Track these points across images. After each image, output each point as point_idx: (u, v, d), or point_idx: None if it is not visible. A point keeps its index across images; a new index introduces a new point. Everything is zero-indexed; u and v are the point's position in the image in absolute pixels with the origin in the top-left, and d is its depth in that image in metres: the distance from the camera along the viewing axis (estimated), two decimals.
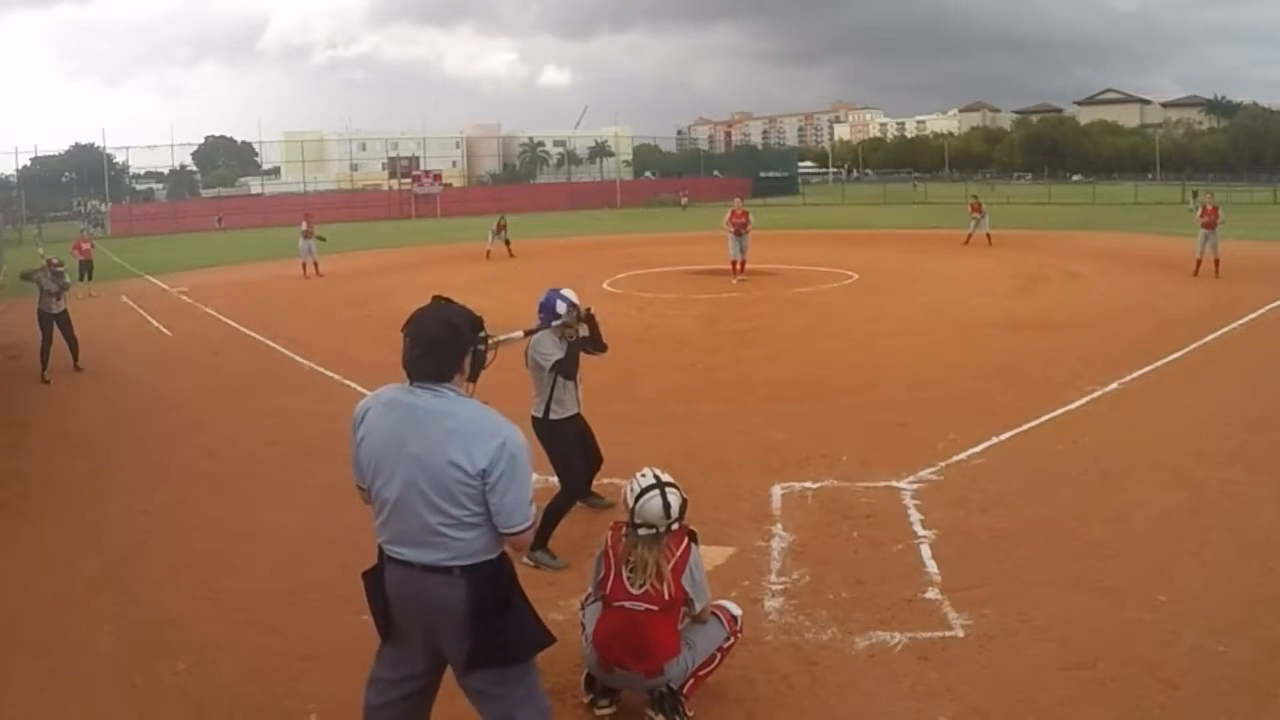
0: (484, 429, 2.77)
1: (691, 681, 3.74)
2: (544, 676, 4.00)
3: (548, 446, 5.50)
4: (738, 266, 18.53)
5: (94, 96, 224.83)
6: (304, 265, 22.40)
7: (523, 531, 2.82)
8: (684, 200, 59.67)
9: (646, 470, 3.88)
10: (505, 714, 2.92)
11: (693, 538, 3.80)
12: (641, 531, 3.72)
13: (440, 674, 3.04)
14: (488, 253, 25.91)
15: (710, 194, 63.99)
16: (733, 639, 3.90)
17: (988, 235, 25.65)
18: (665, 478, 3.82)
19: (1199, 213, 17.97)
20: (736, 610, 3.97)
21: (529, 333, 5.37)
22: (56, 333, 11.60)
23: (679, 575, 3.66)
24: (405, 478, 2.76)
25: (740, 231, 18.55)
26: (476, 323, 2.94)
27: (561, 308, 5.47)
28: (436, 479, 2.73)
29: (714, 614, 3.86)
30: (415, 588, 2.82)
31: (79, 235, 24.02)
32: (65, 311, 11.82)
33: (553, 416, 5.51)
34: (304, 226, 22.74)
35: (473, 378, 2.93)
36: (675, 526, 3.77)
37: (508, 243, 26.22)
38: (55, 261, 12.35)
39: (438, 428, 2.76)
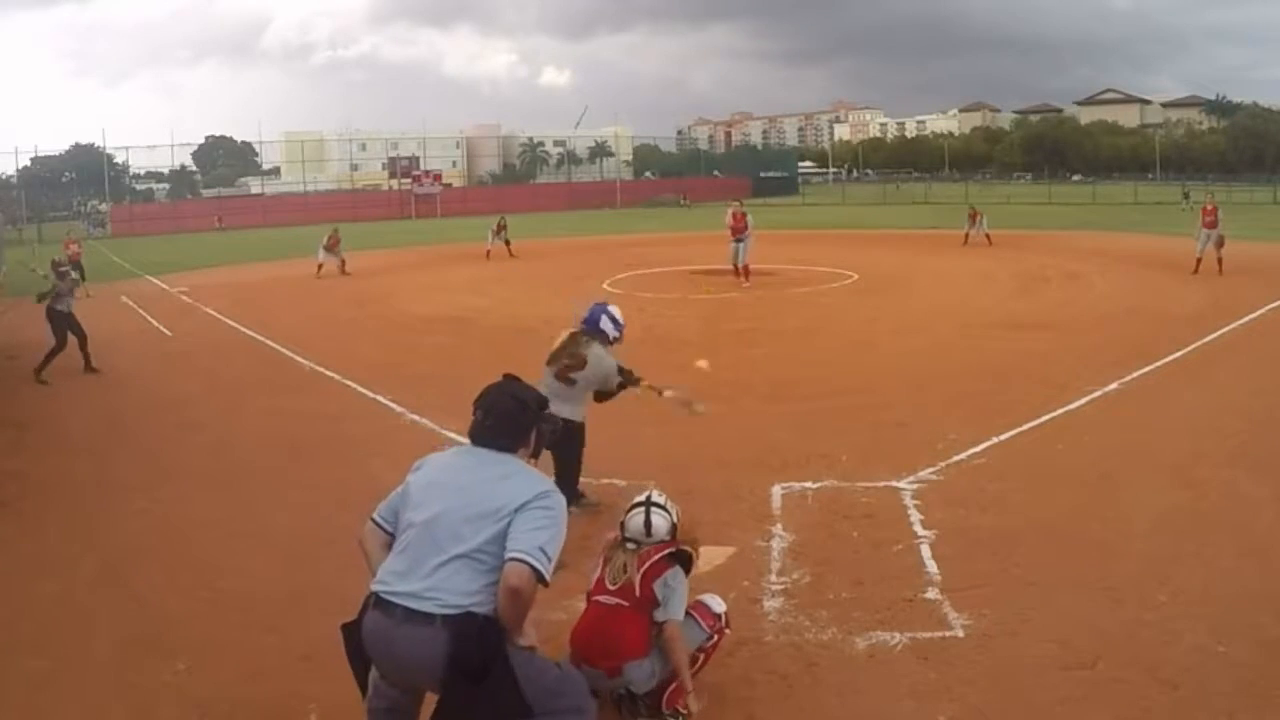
0: (535, 479, 2.92)
1: (676, 687, 3.72)
2: None
3: (566, 448, 5.40)
4: (741, 272, 17.98)
5: (94, 96, 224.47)
6: (319, 265, 22.12)
7: (520, 562, 2.68)
8: (684, 201, 59.59)
9: (649, 489, 4.01)
10: None
11: (681, 560, 3.80)
12: (629, 546, 3.82)
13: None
14: (488, 253, 25.86)
15: (710, 194, 64.01)
16: (716, 637, 3.91)
17: (987, 235, 25.69)
18: (657, 499, 3.91)
19: (1200, 212, 18.01)
20: (719, 607, 3.95)
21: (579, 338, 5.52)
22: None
23: (651, 578, 3.70)
24: (445, 504, 2.83)
25: (739, 236, 18.02)
26: (543, 401, 3.16)
27: (606, 324, 5.61)
28: (474, 508, 2.79)
29: (690, 614, 3.84)
30: (395, 639, 2.74)
31: (66, 236, 23.97)
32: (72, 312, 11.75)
33: (580, 419, 5.59)
34: (326, 243, 22.55)
35: (535, 454, 3.11)
36: (663, 542, 3.82)
37: (508, 243, 26.17)
38: (57, 260, 12.35)
39: (495, 472, 2.91)
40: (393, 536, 2.94)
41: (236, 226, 48.96)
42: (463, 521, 2.77)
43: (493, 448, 2.95)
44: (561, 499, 2.93)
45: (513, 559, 2.70)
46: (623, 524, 3.90)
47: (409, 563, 2.79)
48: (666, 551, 3.77)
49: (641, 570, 3.71)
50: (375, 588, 2.82)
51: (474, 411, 3.02)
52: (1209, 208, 17.93)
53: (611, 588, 3.75)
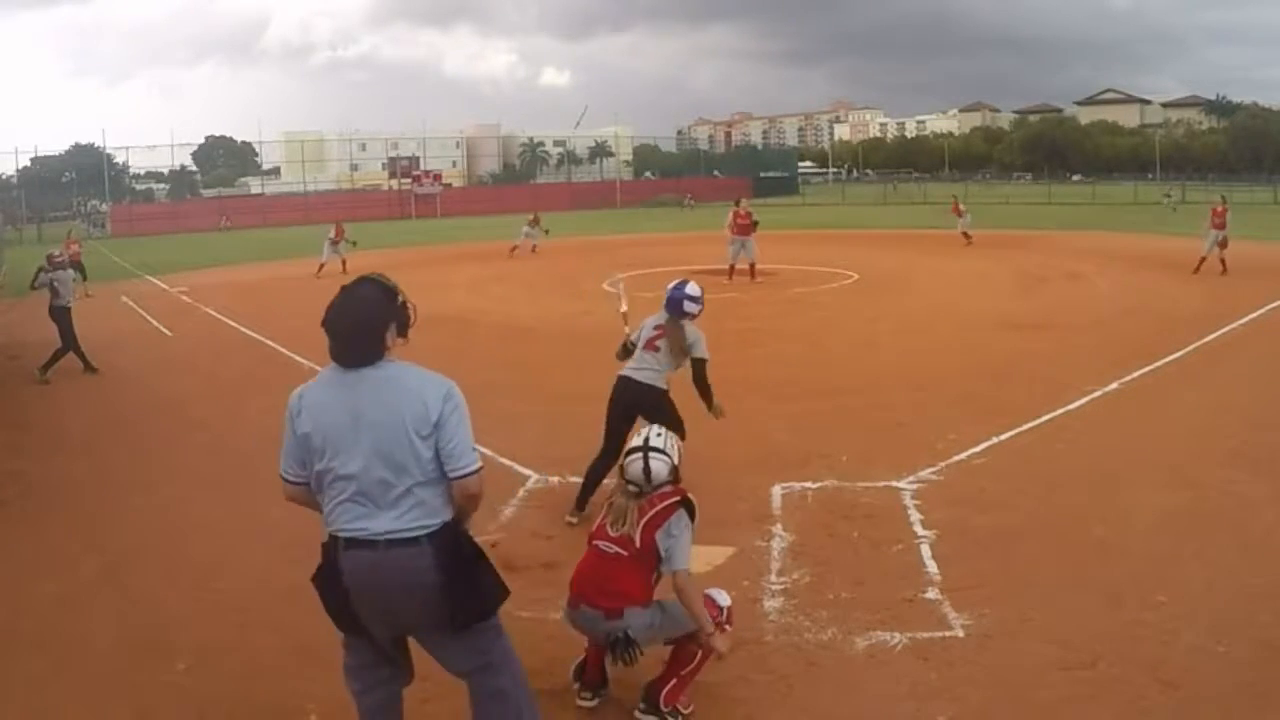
0: (430, 385, 2.94)
1: (675, 683, 3.69)
2: (544, 677, 4.03)
3: (667, 410, 5.80)
4: (752, 270, 17.90)
5: (94, 96, 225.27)
6: (321, 265, 22.13)
7: (470, 474, 2.93)
8: (688, 202, 59.46)
9: (646, 430, 3.90)
10: (491, 680, 3.09)
11: (687, 507, 3.70)
12: (631, 489, 3.73)
13: (407, 655, 3.16)
14: (515, 246, 26.31)
15: (710, 194, 63.95)
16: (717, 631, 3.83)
17: (966, 234, 25.65)
18: (655, 442, 3.79)
19: (1210, 213, 18.06)
20: (724, 600, 3.86)
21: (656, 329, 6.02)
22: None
23: (653, 529, 3.61)
24: (369, 446, 2.87)
25: (745, 234, 17.93)
26: (391, 291, 3.05)
27: (689, 305, 5.98)
28: (399, 440, 2.86)
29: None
30: (382, 568, 2.86)
31: (68, 236, 23.99)
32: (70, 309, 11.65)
33: (664, 387, 5.97)
34: (331, 235, 22.71)
35: (402, 334, 3.06)
36: (665, 489, 3.72)
37: (546, 231, 27.15)
38: (54, 254, 12.25)
39: (390, 392, 2.91)
40: (308, 485, 3.00)
41: (240, 227, 48.91)
42: (397, 454, 2.86)
43: (364, 365, 2.94)
44: (455, 386, 3.00)
45: (462, 475, 2.93)
46: (622, 469, 3.81)
47: (368, 508, 2.88)
48: (668, 502, 3.67)
49: (642, 522, 3.63)
50: (347, 534, 2.90)
51: (327, 335, 2.96)
52: (1219, 209, 17.99)
53: (612, 534, 3.68)
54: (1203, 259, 17.68)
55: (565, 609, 3.81)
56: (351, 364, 2.94)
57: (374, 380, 2.93)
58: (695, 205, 57.43)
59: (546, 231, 27.08)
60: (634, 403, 5.86)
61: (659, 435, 3.84)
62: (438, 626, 2.97)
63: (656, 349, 5.94)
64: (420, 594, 2.89)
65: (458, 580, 2.92)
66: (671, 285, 6.07)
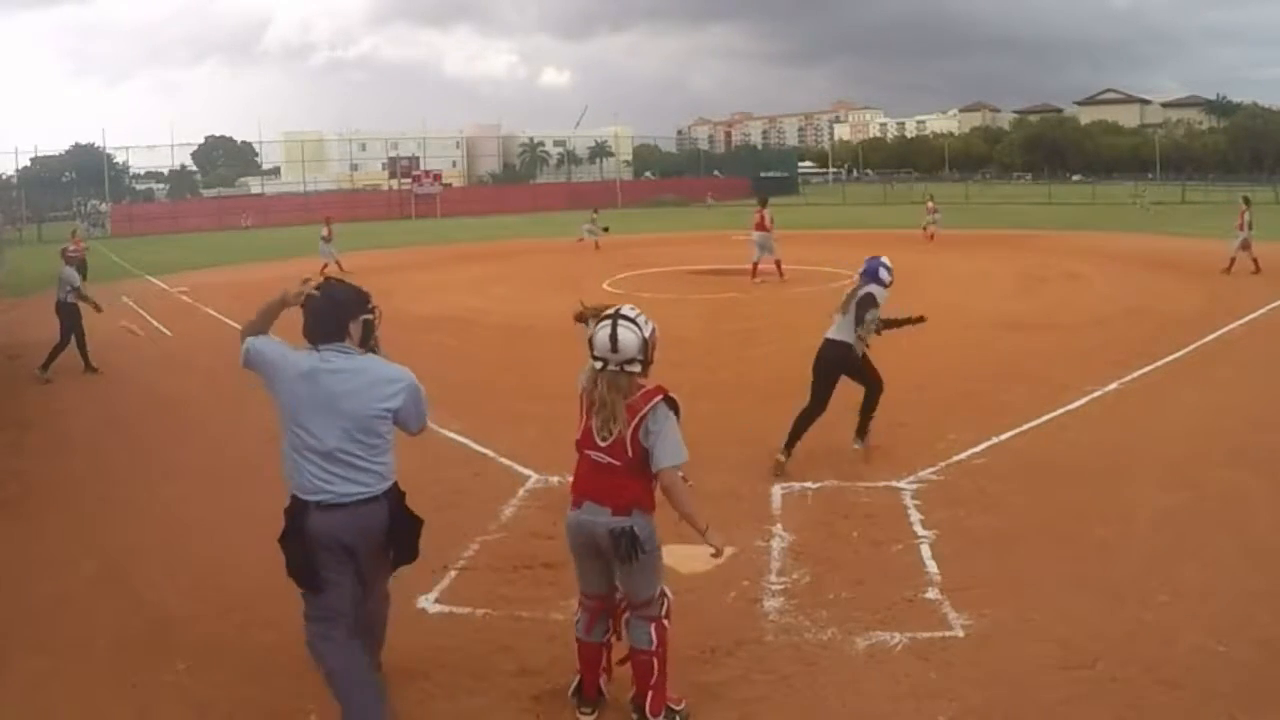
0: (392, 376, 3.58)
1: (652, 694, 3.63)
2: (544, 677, 4.05)
3: (863, 367, 6.97)
4: (777, 267, 18.41)
5: (94, 96, 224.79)
6: (324, 266, 22.27)
7: (422, 430, 3.71)
8: (711, 201, 59.51)
9: (624, 306, 3.67)
10: (384, 592, 3.96)
11: (669, 402, 3.54)
12: (596, 365, 3.55)
13: (362, 607, 3.70)
14: (580, 240, 27.11)
15: (715, 195, 63.92)
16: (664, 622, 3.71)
17: (930, 231, 27.25)
18: (627, 312, 3.58)
19: (1239, 214, 18.18)
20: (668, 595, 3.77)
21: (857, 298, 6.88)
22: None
23: (637, 430, 3.48)
24: (342, 426, 3.48)
25: (764, 234, 18.49)
26: (360, 297, 3.66)
27: (883, 273, 6.94)
28: (365, 419, 3.50)
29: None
30: (349, 524, 3.49)
31: (72, 235, 23.97)
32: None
33: (849, 340, 6.84)
34: (324, 233, 22.97)
35: (362, 343, 3.62)
36: (647, 387, 3.55)
37: (606, 229, 27.76)
38: (70, 249, 12.09)
39: (360, 381, 3.52)
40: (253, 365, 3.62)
41: (261, 225, 48.68)
42: (362, 432, 3.50)
43: (328, 342, 3.54)
44: (413, 376, 3.61)
45: (416, 431, 3.69)
46: (591, 341, 3.57)
47: (338, 474, 3.48)
48: (651, 403, 3.50)
49: (632, 427, 3.48)
50: (318, 499, 3.48)
51: (303, 314, 3.61)
52: (1242, 210, 18.21)
53: (602, 444, 3.54)
54: (1233, 260, 17.88)
55: (568, 513, 3.69)
56: (317, 340, 3.55)
57: (346, 370, 3.51)
58: (716, 204, 57.48)
59: (605, 229, 27.38)
60: (834, 360, 6.88)
61: (631, 308, 3.61)
62: (378, 564, 3.71)
63: (845, 312, 6.86)
64: (375, 537, 3.59)
65: (399, 525, 3.64)
66: (869, 257, 7.11)
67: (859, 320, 6.77)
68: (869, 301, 6.83)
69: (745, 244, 19.58)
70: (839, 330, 6.90)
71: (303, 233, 34.16)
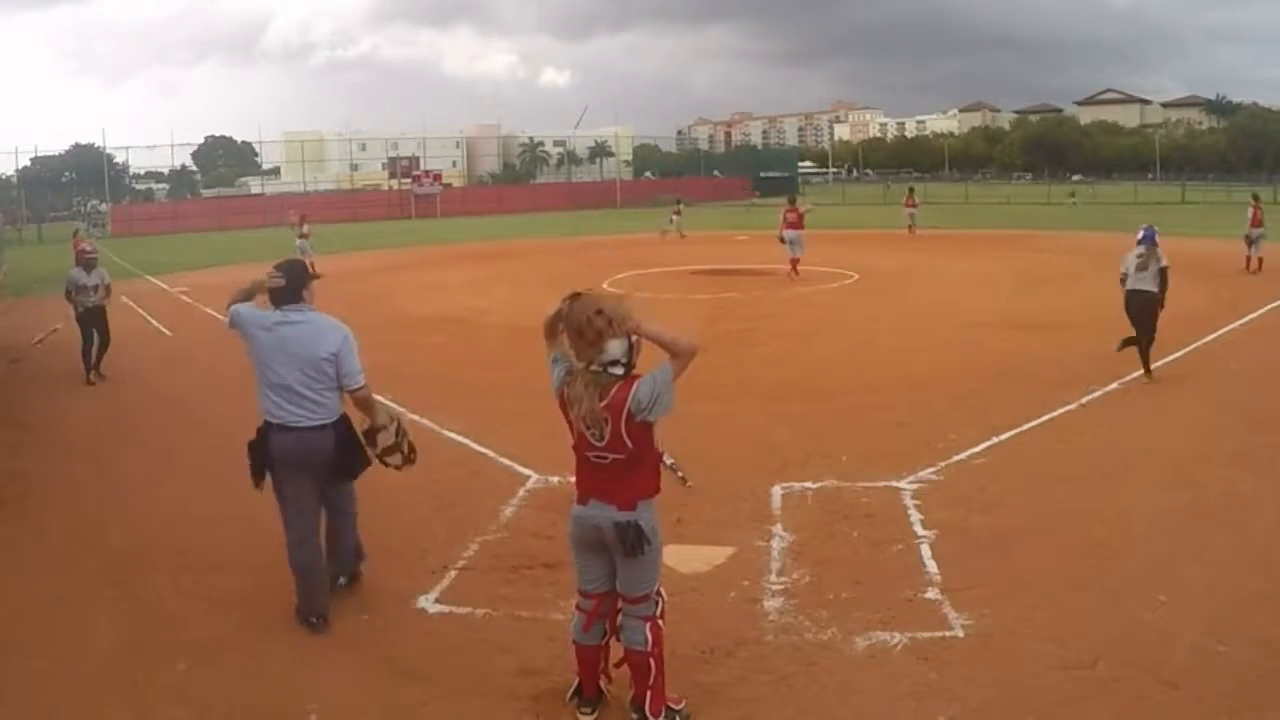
0: (333, 328, 4.62)
1: (651, 694, 3.64)
2: (544, 677, 4.05)
3: (1154, 312, 9.30)
4: (794, 265, 18.51)
5: (94, 96, 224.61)
6: (311, 264, 22.32)
7: (359, 389, 4.61)
8: (752, 203, 58.47)
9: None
10: (346, 508, 4.93)
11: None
12: (579, 364, 3.55)
13: (318, 505, 4.68)
14: (664, 233, 28.19)
15: (714, 195, 63.84)
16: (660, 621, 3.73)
17: (911, 227, 28.11)
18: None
19: (1251, 214, 18.17)
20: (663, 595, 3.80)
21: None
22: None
23: (629, 421, 3.47)
24: (296, 368, 4.48)
25: (795, 229, 18.58)
26: (300, 272, 4.78)
27: (1156, 237, 9.33)
28: (313, 364, 4.49)
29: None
30: (301, 444, 4.51)
31: (75, 235, 23.93)
32: (104, 308, 11.17)
33: (1154, 290, 9.23)
34: (303, 229, 22.72)
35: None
36: (617, 373, 3.51)
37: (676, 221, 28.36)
38: (87, 249, 11.62)
39: (307, 331, 4.55)
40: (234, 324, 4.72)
41: (244, 226, 48.42)
42: (311, 374, 4.49)
43: (288, 304, 4.58)
44: (349, 330, 4.67)
45: (355, 390, 4.61)
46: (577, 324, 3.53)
47: (293, 404, 4.48)
48: (633, 387, 3.49)
49: (623, 420, 3.48)
50: (278, 420, 4.51)
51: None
52: (1256, 210, 18.30)
53: (599, 445, 3.54)
54: (1249, 258, 18.04)
55: (573, 508, 3.70)
56: (280, 303, 4.58)
57: (299, 324, 4.55)
58: (755, 205, 56.04)
59: (681, 231, 27.86)
60: (1146, 302, 9.11)
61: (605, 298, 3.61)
62: (328, 477, 4.67)
63: (1145, 268, 9.19)
64: (322, 457, 4.57)
65: (346, 450, 4.67)
66: (1144, 226, 9.57)
67: (1163, 275, 9.15)
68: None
69: (775, 244, 19.48)
70: (1141, 282, 9.19)
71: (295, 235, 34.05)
